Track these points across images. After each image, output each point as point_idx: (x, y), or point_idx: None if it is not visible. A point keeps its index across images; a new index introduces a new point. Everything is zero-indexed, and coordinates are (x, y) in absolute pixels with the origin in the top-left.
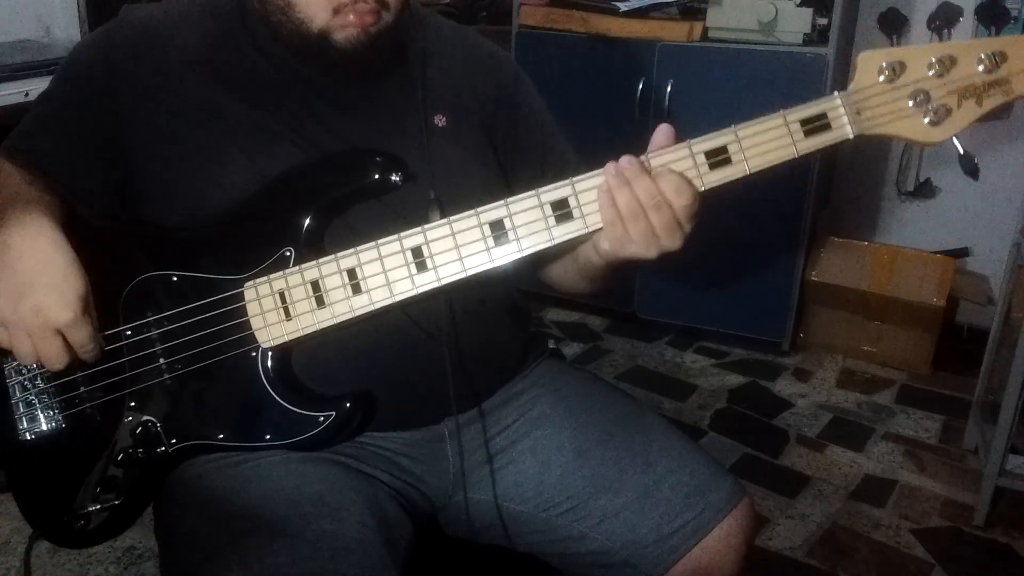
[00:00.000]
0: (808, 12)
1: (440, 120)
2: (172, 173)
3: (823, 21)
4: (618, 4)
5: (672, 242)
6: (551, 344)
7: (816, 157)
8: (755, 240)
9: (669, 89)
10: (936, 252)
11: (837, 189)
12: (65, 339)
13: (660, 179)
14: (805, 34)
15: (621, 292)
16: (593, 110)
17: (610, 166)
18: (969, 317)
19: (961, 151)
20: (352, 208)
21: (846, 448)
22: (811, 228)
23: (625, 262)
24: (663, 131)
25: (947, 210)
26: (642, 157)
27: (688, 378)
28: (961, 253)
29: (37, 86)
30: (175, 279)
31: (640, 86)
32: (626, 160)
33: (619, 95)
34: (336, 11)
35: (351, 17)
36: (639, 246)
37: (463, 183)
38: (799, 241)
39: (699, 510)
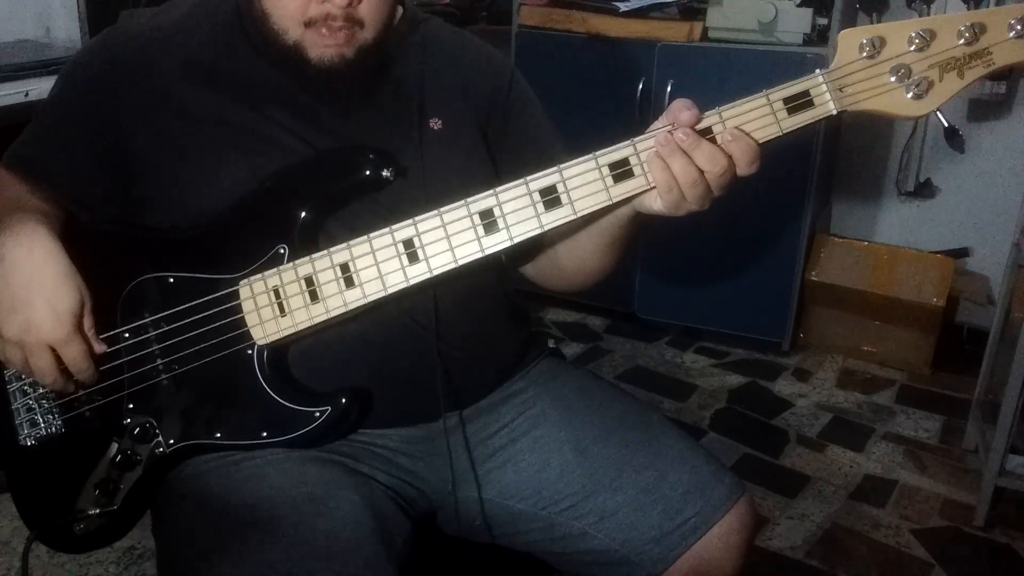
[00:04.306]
0: (808, 12)
1: (435, 123)
2: (172, 177)
3: (823, 21)
4: (618, 4)
5: (724, 194)
6: (551, 344)
7: (816, 158)
8: (755, 240)
9: (669, 89)
10: (936, 252)
11: (837, 189)
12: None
13: (734, 143)
14: (805, 34)
15: (621, 292)
16: (593, 110)
17: (661, 135)
18: (969, 317)
19: (945, 124)
20: (348, 207)
21: (846, 448)
22: (811, 228)
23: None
24: (682, 104)
25: (947, 210)
26: (709, 113)
27: (688, 378)
28: (961, 253)
29: (37, 86)
30: (171, 280)
31: (640, 86)
32: (682, 132)
33: (619, 95)
34: (308, 25)
35: (324, 31)
36: (695, 205)
37: (459, 185)
38: (799, 241)
39: (699, 507)
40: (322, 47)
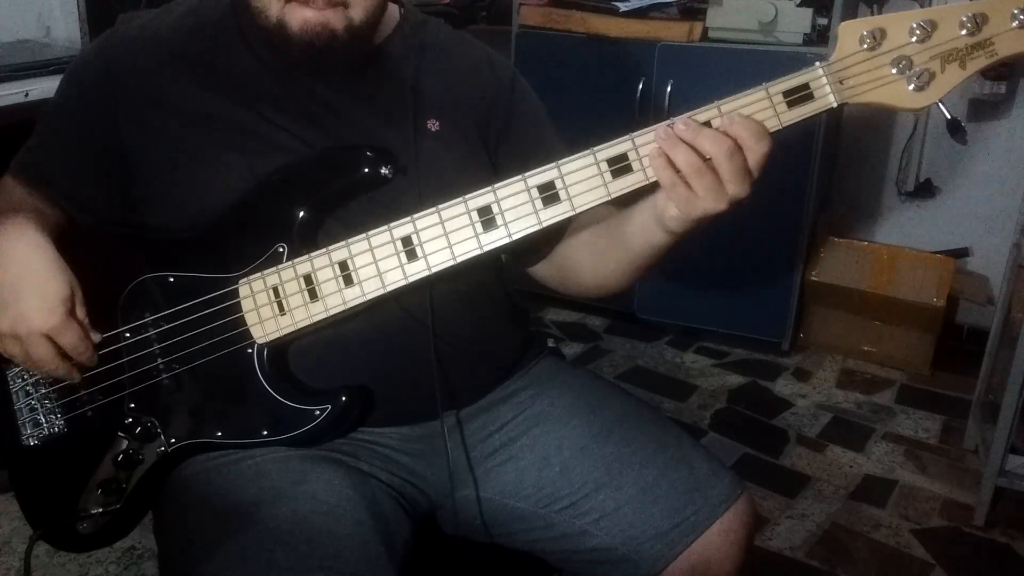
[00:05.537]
0: (808, 12)
1: (433, 124)
2: (170, 178)
3: (823, 21)
4: (618, 4)
5: (742, 189)
6: (551, 343)
7: (816, 158)
8: (755, 240)
9: (669, 89)
10: (936, 252)
11: (837, 189)
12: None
13: (734, 126)
14: (805, 34)
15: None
16: (593, 110)
17: (661, 128)
18: (969, 317)
19: (948, 116)
20: (346, 205)
21: (846, 448)
22: (811, 228)
23: (696, 224)
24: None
25: (947, 210)
26: (710, 106)
27: (688, 378)
28: (961, 253)
29: (37, 86)
30: (171, 280)
31: (640, 86)
32: (681, 122)
33: (619, 95)
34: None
35: (306, 9)
36: (707, 200)
37: (454, 188)
38: (799, 241)
39: (698, 506)
40: (302, 17)
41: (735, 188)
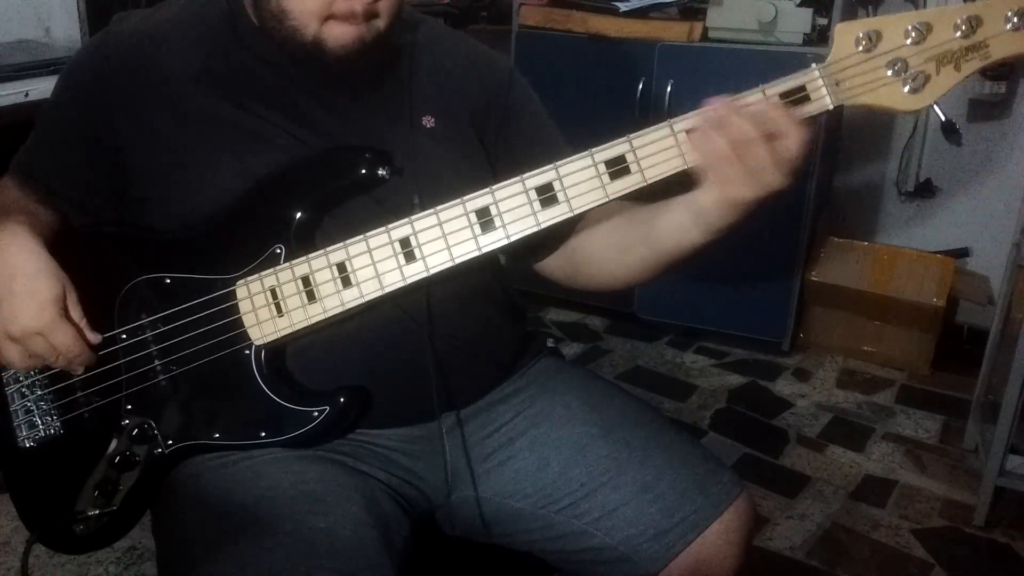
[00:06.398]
0: (808, 12)
1: (428, 121)
2: (167, 179)
3: (823, 21)
4: (618, 4)
5: (779, 177)
6: (550, 343)
7: (816, 157)
8: (755, 240)
9: (669, 89)
10: (936, 252)
11: (837, 189)
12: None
13: (774, 109)
14: (805, 34)
15: (621, 292)
16: (593, 110)
17: (705, 108)
18: (969, 317)
19: (943, 118)
20: (342, 206)
21: (846, 448)
22: (811, 228)
23: (727, 218)
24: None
25: (947, 210)
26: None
27: (688, 378)
28: (961, 253)
29: (37, 86)
30: (168, 281)
31: (640, 86)
32: (719, 101)
33: (619, 95)
34: (326, 19)
35: (345, 26)
36: (746, 185)
37: (451, 184)
38: (799, 241)
39: (697, 505)
40: (342, 38)
41: (773, 174)
